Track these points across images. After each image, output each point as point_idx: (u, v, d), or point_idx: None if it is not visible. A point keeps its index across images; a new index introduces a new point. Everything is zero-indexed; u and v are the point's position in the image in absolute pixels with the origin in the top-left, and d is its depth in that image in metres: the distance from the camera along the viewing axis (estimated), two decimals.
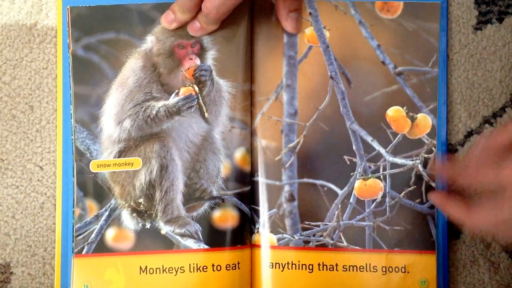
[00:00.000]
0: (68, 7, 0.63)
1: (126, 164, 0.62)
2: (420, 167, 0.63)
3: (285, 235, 0.63)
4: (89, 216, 0.62)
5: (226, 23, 0.62)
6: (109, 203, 0.63)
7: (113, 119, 0.62)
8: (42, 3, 0.66)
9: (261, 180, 0.64)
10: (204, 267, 0.62)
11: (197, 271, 0.61)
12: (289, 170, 0.64)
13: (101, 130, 0.63)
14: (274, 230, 0.63)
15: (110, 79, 0.63)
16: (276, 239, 0.63)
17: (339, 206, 0.64)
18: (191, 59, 0.63)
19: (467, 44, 0.66)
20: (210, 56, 0.63)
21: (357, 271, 0.63)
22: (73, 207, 0.63)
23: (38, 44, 0.65)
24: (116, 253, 0.62)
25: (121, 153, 0.63)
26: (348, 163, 0.64)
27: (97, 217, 0.62)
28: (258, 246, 0.63)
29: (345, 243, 0.63)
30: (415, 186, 0.64)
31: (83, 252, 0.62)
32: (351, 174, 0.64)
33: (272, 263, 0.63)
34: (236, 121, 0.63)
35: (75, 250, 0.62)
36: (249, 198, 0.63)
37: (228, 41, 0.63)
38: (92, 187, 0.63)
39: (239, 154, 0.63)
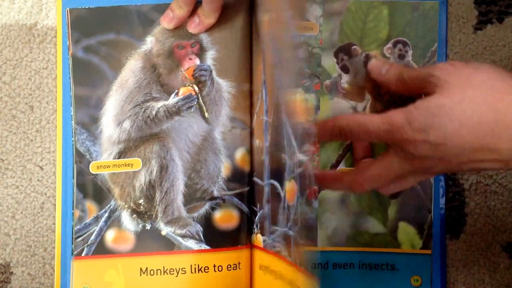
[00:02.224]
0: (68, 9, 0.63)
1: (125, 165, 0.62)
2: None
3: (264, 237, 0.62)
4: (89, 217, 0.62)
5: (225, 23, 0.62)
6: (109, 205, 0.63)
7: (113, 120, 0.62)
8: (42, 3, 0.65)
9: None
10: (206, 268, 0.62)
11: (198, 272, 0.61)
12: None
13: (101, 131, 0.63)
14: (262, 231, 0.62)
15: (110, 81, 0.63)
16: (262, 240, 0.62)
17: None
18: (190, 59, 0.63)
19: (467, 44, 0.66)
20: (210, 56, 0.63)
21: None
22: (73, 209, 0.63)
23: (38, 44, 0.65)
24: (116, 254, 0.62)
25: (120, 154, 0.63)
26: None
27: (97, 218, 0.62)
28: (258, 246, 0.63)
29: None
30: None
31: (83, 254, 0.62)
32: None
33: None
34: (236, 121, 0.63)
35: (74, 252, 0.62)
36: (249, 198, 0.63)
37: (227, 41, 0.63)
38: (91, 189, 0.63)
39: (239, 154, 0.63)
